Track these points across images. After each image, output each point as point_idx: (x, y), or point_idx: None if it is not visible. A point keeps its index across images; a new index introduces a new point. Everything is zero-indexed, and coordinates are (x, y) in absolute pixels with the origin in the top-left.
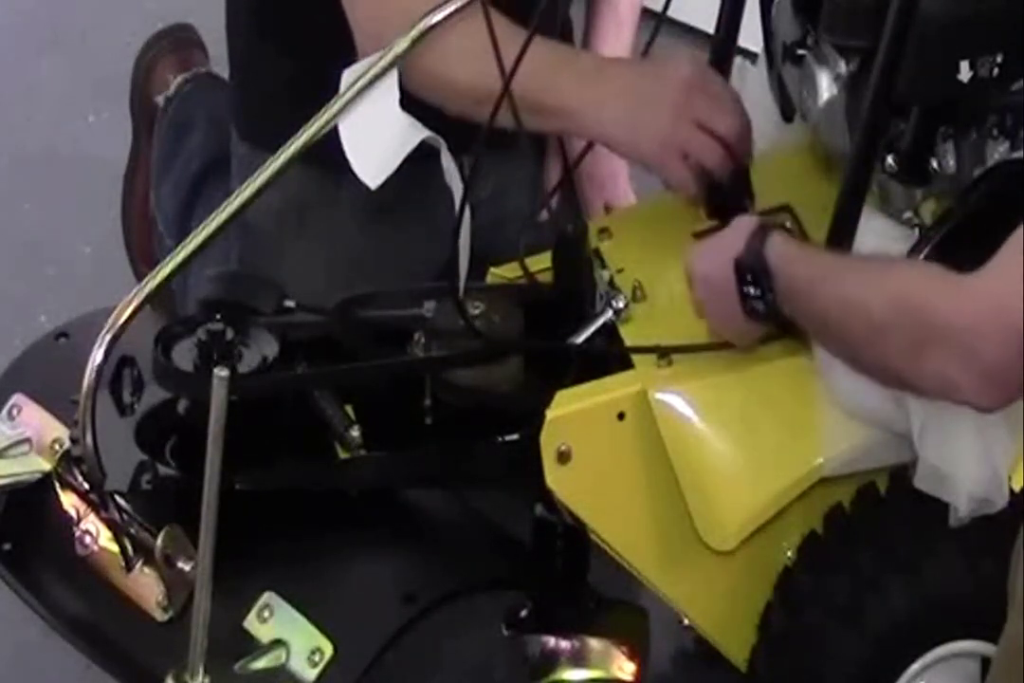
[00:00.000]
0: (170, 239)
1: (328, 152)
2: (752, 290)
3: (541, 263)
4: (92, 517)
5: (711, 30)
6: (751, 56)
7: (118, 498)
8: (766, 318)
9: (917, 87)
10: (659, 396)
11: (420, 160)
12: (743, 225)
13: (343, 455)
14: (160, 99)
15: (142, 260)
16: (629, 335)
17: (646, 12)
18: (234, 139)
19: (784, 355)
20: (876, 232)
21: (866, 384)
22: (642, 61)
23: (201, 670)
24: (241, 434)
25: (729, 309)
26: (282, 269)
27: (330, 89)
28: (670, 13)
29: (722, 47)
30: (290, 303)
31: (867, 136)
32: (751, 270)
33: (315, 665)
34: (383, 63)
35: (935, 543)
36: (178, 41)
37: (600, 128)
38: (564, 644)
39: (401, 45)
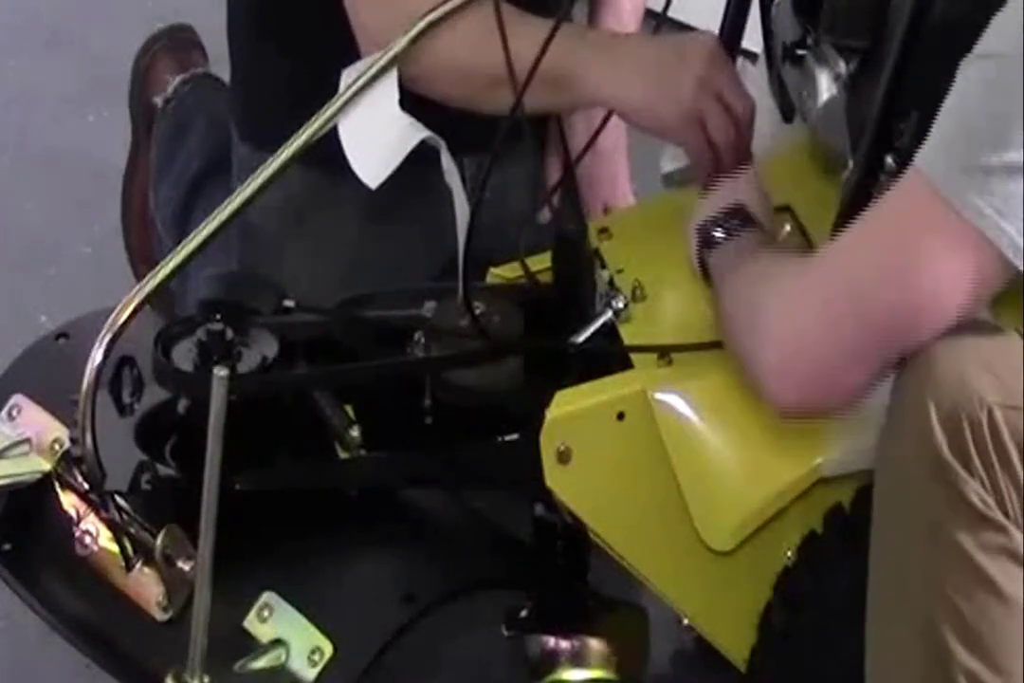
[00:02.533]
0: (170, 239)
1: (328, 152)
2: (721, 229)
3: (541, 263)
4: (92, 517)
5: (712, 30)
6: (751, 56)
7: (118, 498)
8: (703, 244)
9: (917, 87)
10: (659, 396)
11: (420, 160)
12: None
13: (343, 455)
14: (159, 100)
15: (142, 260)
16: (629, 335)
17: (646, 12)
18: (234, 140)
19: None
20: None
21: None
22: (657, 38)
23: (201, 670)
24: (241, 434)
25: None
26: (282, 269)
27: (330, 89)
28: (670, 13)
29: (725, 47)
30: (290, 303)
31: (874, 136)
32: (738, 216)
33: (315, 665)
34: (382, 62)
35: None
36: (177, 41)
37: (618, 92)
38: (564, 644)
39: (400, 44)
